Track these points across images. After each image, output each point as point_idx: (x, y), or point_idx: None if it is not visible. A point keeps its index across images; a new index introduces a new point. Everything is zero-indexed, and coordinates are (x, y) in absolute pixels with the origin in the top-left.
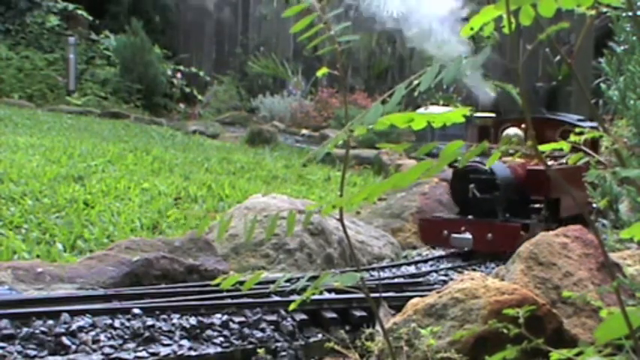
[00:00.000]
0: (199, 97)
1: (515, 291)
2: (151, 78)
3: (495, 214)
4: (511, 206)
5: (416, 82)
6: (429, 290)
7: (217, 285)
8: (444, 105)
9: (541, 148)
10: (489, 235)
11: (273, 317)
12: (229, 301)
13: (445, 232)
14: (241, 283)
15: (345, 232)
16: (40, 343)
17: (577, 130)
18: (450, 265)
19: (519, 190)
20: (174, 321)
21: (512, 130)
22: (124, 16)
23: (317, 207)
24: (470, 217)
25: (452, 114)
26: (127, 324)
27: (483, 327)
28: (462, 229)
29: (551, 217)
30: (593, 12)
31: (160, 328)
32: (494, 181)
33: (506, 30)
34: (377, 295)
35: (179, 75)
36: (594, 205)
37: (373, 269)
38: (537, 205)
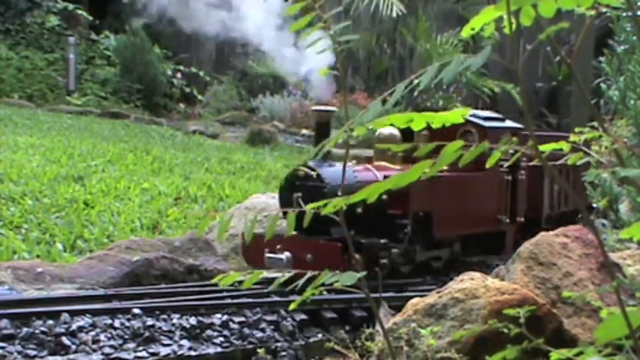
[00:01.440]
0: (199, 97)
1: (515, 291)
2: (151, 78)
3: (326, 230)
4: (370, 222)
5: (416, 81)
6: (429, 290)
7: (217, 284)
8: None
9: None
10: (309, 255)
11: (273, 317)
12: (229, 301)
13: (266, 250)
14: (240, 282)
15: (345, 231)
16: (40, 343)
17: (468, 129)
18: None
19: (377, 203)
20: (175, 321)
21: (386, 130)
22: (124, 16)
23: (316, 206)
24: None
25: (450, 114)
26: (127, 324)
27: (483, 327)
28: (278, 247)
29: (419, 237)
30: (593, 12)
31: (159, 328)
32: (322, 190)
33: (506, 30)
34: (377, 295)
35: (179, 75)
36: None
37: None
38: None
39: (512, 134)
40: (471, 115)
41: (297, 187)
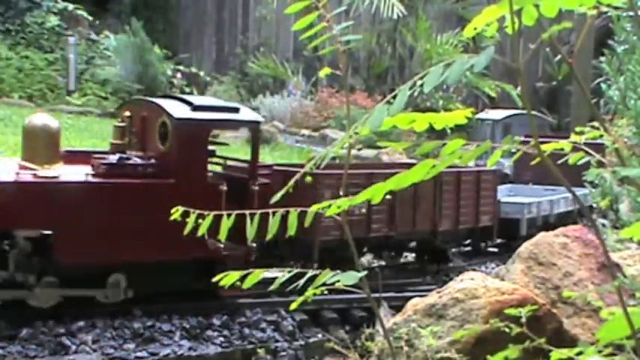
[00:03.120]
0: None
1: (515, 291)
2: (151, 78)
3: None
4: None
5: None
6: (429, 290)
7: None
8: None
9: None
10: None
11: (273, 317)
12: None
13: None
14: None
15: (347, 232)
16: (40, 343)
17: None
18: None
19: None
20: (175, 321)
21: (39, 119)
22: (124, 16)
23: (320, 207)
24: None
25: (453, 115)
26: (127, 324)
27: (483, 327)
28: None
29: (35, 262)
30: (594, 12)
31: (159, 328)
32: None
33: (509, 30)
34: (377, 295)
35: (179, 75)
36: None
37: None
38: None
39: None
40: (181, 102)
41: None
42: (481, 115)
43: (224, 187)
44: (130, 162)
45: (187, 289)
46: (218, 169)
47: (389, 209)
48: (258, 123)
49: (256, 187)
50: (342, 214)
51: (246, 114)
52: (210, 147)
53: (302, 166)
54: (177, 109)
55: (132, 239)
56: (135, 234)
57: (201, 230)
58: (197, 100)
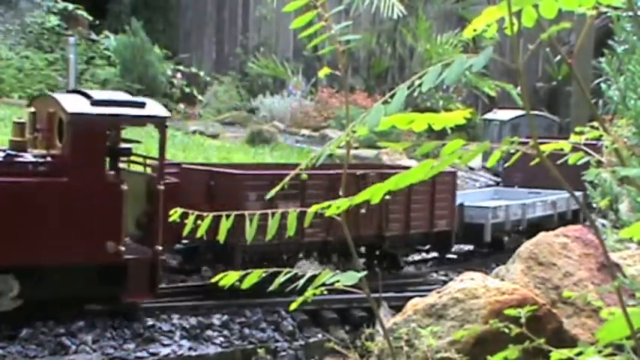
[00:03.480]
0: (199, 97)
1: (515, 291)
2: (151, 78)
3: None
4: None
5: (417, 82)
6: (429, 290)
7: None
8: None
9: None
10: None
11: (274, 317)
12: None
13: None
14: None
15: (346, 232)
16: (40, 343)
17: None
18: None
19: None
20: (175, 321)
21: None
22: (124, 16)
23: (320, 207)
24: None
25: (452, 116)
26: (127, 324)
27: (483, 327)
28: None
29: None
30: (593, 12)
31: (159, 328)
32: None
33: (508, 31)
34: (377, 294)
35: (179, 75)
36: None
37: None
38: None
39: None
40: (83, 96)
41: None
42: (489, 116)
43: (124, 187)
44: (20, 160)
45: (88, 296)
46: (140, 168)
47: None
48: (163, 118)
49: (162, 187)
50: (341, 214)
51: (152, 109)
52: (127, 145)
53: (216, 165)
54: (74, 104)
55: (22, 241)
56: (25, 236)
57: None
58: (99, 94)
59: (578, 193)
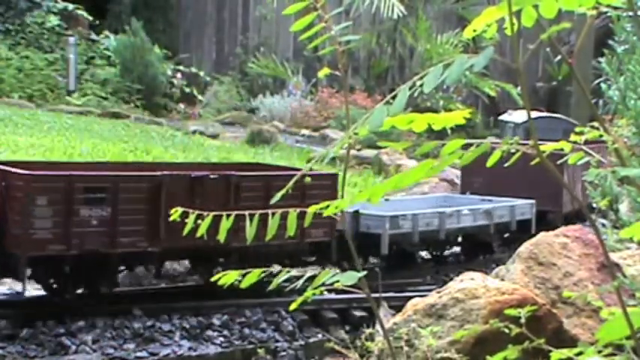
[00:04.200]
0: (199, 97)
1: (515, 291)
2: (151, 78)
3: None
4: None
5: (419, 83)
6: (429, 290)
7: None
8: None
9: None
10: None
11: (274, 317)
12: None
13: None
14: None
15: (346, 232)
16: (40, 343)
17: None
18: None
19: None
20: (175, 321)
21: None
22: (125, 16)
23: (319, 208)
24: None
25: (451, 116)
26: (127, 324)
27: (483, 327)
28: None
29: None
30: (593, 12)
31: (159, 328)
32: None
33: (508, 32)
34: (377, 294)
35: (179, 75)
36: None
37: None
38: None
39: None
40: None
41: None
42: (504, 117)
43: None
44: None
45: None
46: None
47: (150, 218)
48: None
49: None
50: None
51: None
52: None
53: (14, 162)
54: None
55: None
56: None
57: None
58: None
59: (529, 202)
